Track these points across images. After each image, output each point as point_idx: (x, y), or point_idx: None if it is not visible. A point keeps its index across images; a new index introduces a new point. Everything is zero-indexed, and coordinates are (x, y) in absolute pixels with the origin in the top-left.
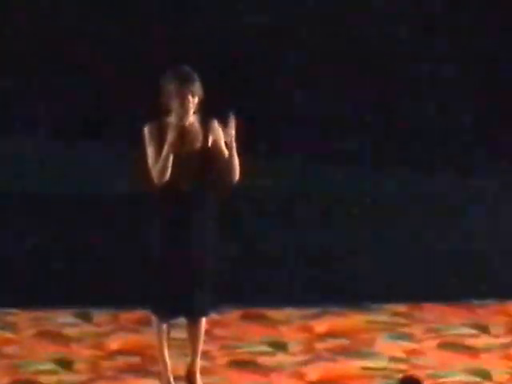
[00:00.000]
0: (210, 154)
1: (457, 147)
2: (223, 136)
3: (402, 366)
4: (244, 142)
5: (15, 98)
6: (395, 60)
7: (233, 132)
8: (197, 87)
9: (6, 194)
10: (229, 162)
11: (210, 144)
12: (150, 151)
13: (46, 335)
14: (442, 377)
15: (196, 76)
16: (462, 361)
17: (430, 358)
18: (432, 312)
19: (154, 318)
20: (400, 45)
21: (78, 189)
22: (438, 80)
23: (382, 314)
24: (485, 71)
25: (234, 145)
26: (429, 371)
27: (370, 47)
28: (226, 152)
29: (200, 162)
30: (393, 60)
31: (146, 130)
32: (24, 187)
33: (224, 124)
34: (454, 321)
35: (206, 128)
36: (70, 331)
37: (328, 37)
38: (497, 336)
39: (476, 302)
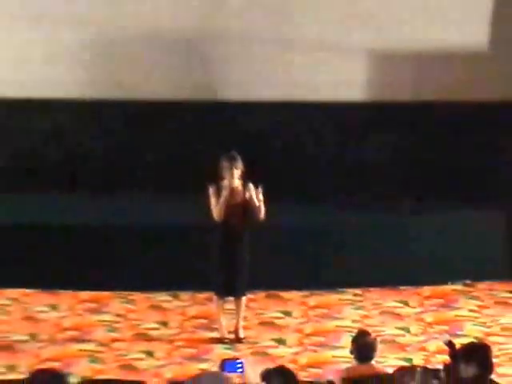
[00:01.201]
0: (248, 204)
1: None
2: (255, 194)
3: (359, 325)
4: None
5: None
6: None
7: (260, 192)
8: (239, 164)
9: None
10: (258, 209)
11: (247, 198)
12: (213, 201)
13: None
14: (382, 332)
15: (239, 158)
16: (393, 322)
17: (374, 320)
18: (376, 293)
19: (215, 297)
20: None
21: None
22: None
23: (347, 295)
24: None
25: (261, 199)
26: (374, 328)
27: None
28: (257, 203)
29: (242, 208)
30: None
31: (211, 189)
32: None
33: (256, 186)
34: (389, 298)
35: (245, 188)
36: (167, 305)
37: None
38: (414, 307)
39: (401, 287)
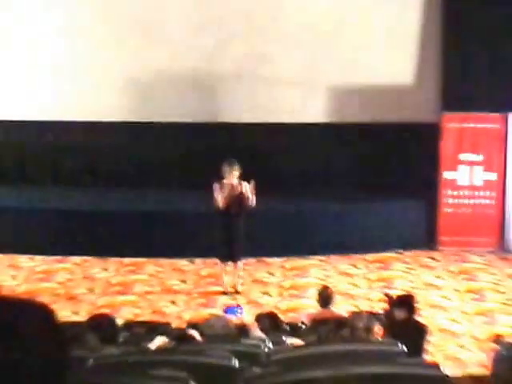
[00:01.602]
0: (243, 196)
1: None
2: (248, 188)
3: (323, 282)
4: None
5: None
6: None
7: (252, 187)
8: (236, 167)
9: None
10: (250, 199)
11: (243, 191)
12: (216, 194)
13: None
14: (339, 287)
15: (237, 163)
16: (347, 279)
17: (333, 279)
18: (335, 259)
19: (219, 262)
20: None
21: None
22: None
23: (314, 260)
24: None
25: (252, 192)
26: (333, 284)
27: None
28: (249, 195)
29: (238, 199)
30: None
31: (216, 186)
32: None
33: (248, 182)
34: (344, 262)
35: (241, 185)
36: (186, 268)
37: None
38: (361, 269)
39: (353, 254)
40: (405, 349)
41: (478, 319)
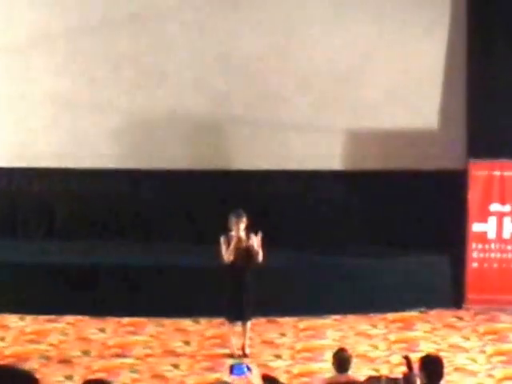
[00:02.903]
0: (250, 249)
1: None
2: (256, 242)
3: (339, 344)
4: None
5: None
6: None
7: (259, 240)
8: (244, 219)
9: None
10: (257, 253)
11: (250, 245)
12: (223, 248)
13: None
14: (356, 348)
15: (244, 214)
16: (365, 341)
17: (350, 340)
18: (351, 319)
19: (226, 322)
20: None
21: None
22: None
23: (329, 320)
24: None
25: (260, 245)
26: (352, 349)
27: None
28: (257, 249)
29: (246, 253)
30: None
31: (222, 238)
32: None
33: (255, 234)
34: (362, 322)
35: (248, 237)
36: (190, 328)
37: None
38: (381, 329)
39: (371, 314)
40: None
41: None
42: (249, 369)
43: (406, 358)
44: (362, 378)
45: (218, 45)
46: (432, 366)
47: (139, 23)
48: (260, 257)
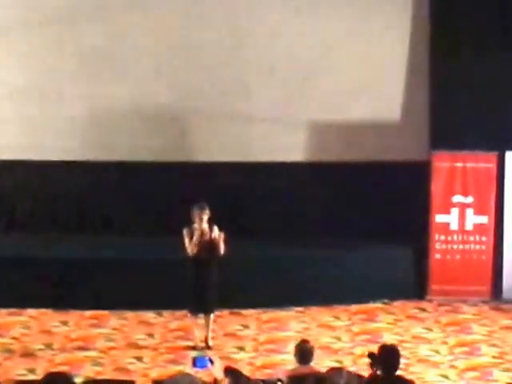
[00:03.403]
0: (213, 242)
1: None
2: (218, 234)
3: (302, 336)
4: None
5: None
6: None
7: (222, 235)
8: (207, 211)
9: None
10: (220, 246)
11: (213, 237)
12: (186, 240)
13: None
14: (320, 340)
15: (207, 206)
16: (328, 332)
17: (313, 331)
18: (315, 310)
19: (189, 314)
20: None
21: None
22: None
23: (292, 312)
24: None
25: (221, 238)
26: (315, 340)
27: None
28: (219, 241)
29: (209, 245)
30: None
31: (185, 231)
32: None
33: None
34: (325, 314)
35: (211, 230)
36: (153, 321)
37: None
38: (344, 321)
39: (334, 305)
40: None
41: (469, 375)
42: (211, 361)
43: (370, 353)
44: (324, 370)
45: (180, 36)
46: (388, 356)
47: (100, 14)
48: (222, 249)
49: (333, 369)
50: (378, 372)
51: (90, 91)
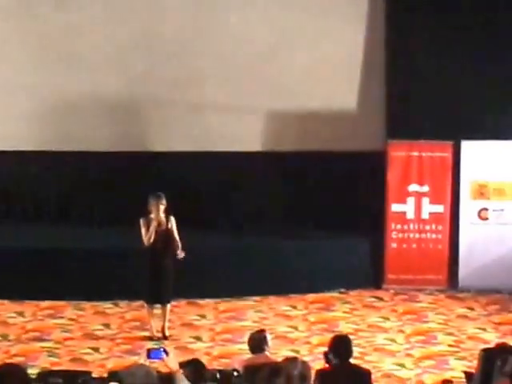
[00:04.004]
0: (169, 232)
1: None
2: (173, 225)
3: (259, 325)
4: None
5: None
6: None
7: (180, 250)
8: (163, 201)
9: None
10: (176, 236)
11: (169, 227)
12: (143, 230)
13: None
14: (277, 330)
15: (163, 196)
16: (285, 322)
17: (270, 321)
18: (271, 300)
19: (146, 305)
20: None
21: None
22: None
23: (249, 301)
24: None
25: (176, 228)
26: (270, 327)
27: None
28: (176, 240)
29: (165, 235)
30: None
31: (141, 221)
32: None
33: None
34: (282, 303)
35: (168, 220)
36: (109, 311)
37: None
38: (300, 310)
39: (291, 294)
40: None
41: (425, 363)
42: (166, 352)
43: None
44: (279, 360)
45: (137, 25)
46: (338, 346)
47: (56, 4)
48: (178, 240)
49: (288, 359)
50: (333, 362)
51: (47, 82)
